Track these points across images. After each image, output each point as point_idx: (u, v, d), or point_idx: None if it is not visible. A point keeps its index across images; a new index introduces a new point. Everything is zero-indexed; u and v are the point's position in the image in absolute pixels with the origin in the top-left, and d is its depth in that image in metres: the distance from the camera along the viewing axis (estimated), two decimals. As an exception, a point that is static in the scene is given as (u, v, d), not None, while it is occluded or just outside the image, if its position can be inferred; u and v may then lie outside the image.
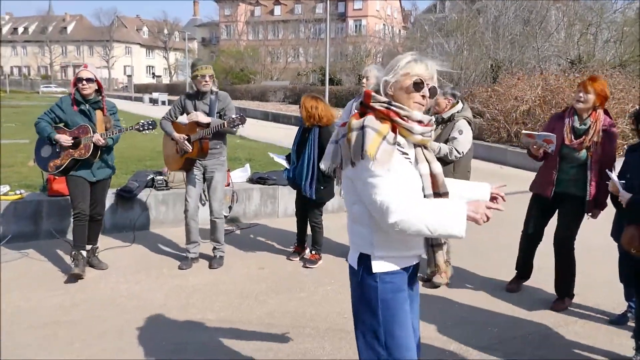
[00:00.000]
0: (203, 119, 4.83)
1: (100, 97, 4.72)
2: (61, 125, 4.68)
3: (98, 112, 4.70)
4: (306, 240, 5.44)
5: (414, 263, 2.25)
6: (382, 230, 2.08)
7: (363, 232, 2.15)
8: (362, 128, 2.01)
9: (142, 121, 4.85)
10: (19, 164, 8.23)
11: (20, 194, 5.80)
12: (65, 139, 4.57)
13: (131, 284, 4.62)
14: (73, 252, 4.66)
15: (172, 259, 5.29)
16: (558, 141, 4.11)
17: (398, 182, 2.00)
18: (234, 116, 4.76)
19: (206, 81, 4.84)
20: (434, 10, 43.02)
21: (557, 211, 4.33)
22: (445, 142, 4.47)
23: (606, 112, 4.15)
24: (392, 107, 2.07)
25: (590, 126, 4.05)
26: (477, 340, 3.69)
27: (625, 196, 3.27)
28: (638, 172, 3.35)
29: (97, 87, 4.69)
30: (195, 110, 4.90)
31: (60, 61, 78.20)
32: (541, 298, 4.42)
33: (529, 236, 4.51)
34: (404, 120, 2.06)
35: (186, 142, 4.87)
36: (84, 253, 4.71)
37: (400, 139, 2.06)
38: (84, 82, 4.58)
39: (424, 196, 2.10)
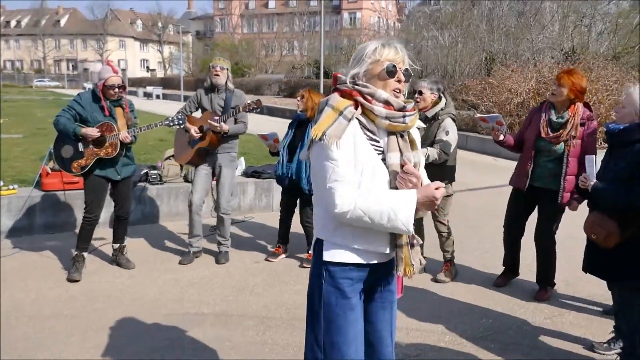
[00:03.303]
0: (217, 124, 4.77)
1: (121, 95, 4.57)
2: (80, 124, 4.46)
3: (118, 109, 4.56)
4: (289, 240, 5.34)
5: (375, 262, 2.00)
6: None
7: (319, 213, 2.02)
8: (324, 106, 1.98)
9: (171, 116, 4.76)
10: (12, 159, 8.19)
11: (13, 188, 5.78)
12: (92, 131, 4.39)
13: (126, 278, 4.62)
14: (75, 254, 4.60)
15: (167, 253, 5.29)
16: (534, 134, 4.11)
17: (347, 168, 1.88)
18: (249, 101, 4.78)
19: (216, 71, 4.84)
20: (429, 3, 42.88)
21: (537, 207, 4.33)
22: (431, 143, 4.34)
23: (587, 106, 4.09)
24: (356, 87, 1.97)
25: (568, 120, 4.00)
26: (472, 332, 3.72)
27: (591, 183, 3.05)
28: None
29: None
30: (211, 104, 4.90)
31: (54, 55, 77.64)
32: (535, 290, 4.43)
33: (509, 230, 4.54)
34: (366, 99, 1.95)
35: (197, 131, 4.83)
36: (85, 255, 4.66)
37: (369, 124, 1.97)
38: (117, 89, 4.45)
39: (390, 189, 1.95)
